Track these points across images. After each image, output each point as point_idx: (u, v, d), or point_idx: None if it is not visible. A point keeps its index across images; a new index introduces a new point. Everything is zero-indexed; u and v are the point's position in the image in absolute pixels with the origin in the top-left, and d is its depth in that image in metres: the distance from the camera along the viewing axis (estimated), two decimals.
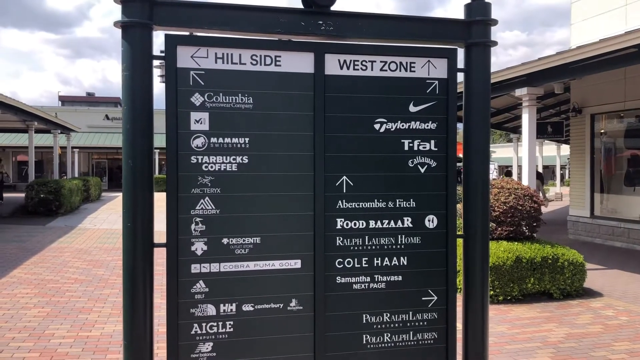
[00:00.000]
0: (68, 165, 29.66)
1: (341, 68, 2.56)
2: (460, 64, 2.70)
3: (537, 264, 7.39)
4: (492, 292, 7.27)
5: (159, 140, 26.83)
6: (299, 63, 2.51)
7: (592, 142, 13.46)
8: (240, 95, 2.44)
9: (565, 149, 27.52)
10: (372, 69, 2.59)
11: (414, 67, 2.63)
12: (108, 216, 18.62)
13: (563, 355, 5.35)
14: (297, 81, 2.51)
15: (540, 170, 23.47)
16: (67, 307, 6.81)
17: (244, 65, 2.44)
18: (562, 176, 38.49)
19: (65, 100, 54.54)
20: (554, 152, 34.33)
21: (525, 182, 10.12)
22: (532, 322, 6.48)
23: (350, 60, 2.56)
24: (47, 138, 31.35)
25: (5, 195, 25.61)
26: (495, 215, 7.83)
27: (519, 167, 19.35)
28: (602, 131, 13.44)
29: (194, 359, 2.42)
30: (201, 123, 2.41)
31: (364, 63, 2.58)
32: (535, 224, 8.10)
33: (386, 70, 2.61)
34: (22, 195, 19.99)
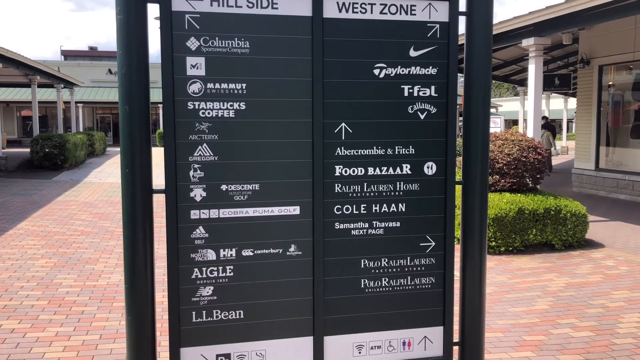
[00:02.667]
0: (72, 120, 29.63)
1: (340, 11, 2.50)
2: (462, 7, 2.64)
3: (539, 215, 7.42)
4: (493, 243, 7.33)
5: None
6: (297, 6, 2.45)
7: (600, 94, 13.28)
8: (236, 39, 2.40)
9: (573, 103, 27.19)
10: (371, 12, 2.53)
11: (414, 10, 2.57)
12: (113, 170, 18.71)
13: (562, 303, 5.43)
14: (295, 25, 2.45)
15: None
16: (74, 258, 6.93)
17: (240, 8, 2.39)
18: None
19: (67, 54, 54.03)
20: (561, 105, 33.96)
21: (530, 133, 10.05)
22: (532, 272, 6.56)
23: (350, 3, 2.50)
24: (51, 93, 31.25)
25: (10, 150, 25.70)
26: (498, 167, 7.82)
27: (525, 120, 19.17)
28: (610, 83, 13.25)
29: (195, 302, 2.47)
30: (197, 68, 2.38)
31: (363, 6, 2.51)
32: (538, 176, 8.10)
33: (386, 14, 2.54)
34: (27, 150, 20.07)
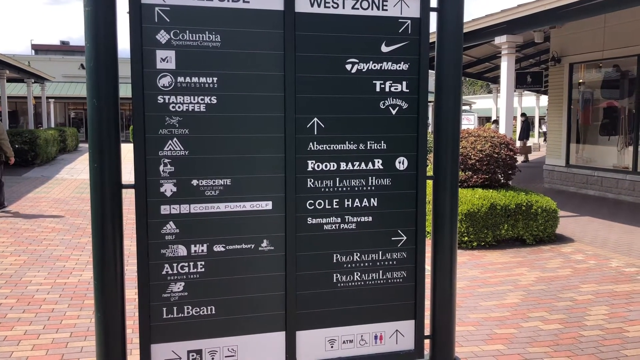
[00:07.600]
0: (44, 116, 29.03)
1: (312, 5, 2.49)
2: (434, 3, 2.66)
3: (511, 210, 7.53)
4: (466, 238, 7.42)
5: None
6: None
7: (570, 91, 13.52)
8: (207, 33, 2.38)
9: (544, 100, 27.62)
10: (343, 7, 2.53)
11: (386, 5, 2.58)
12: (85, 166, 18.40)
13: (533, 297, 5.52)
14: (267, 19, 2.44)
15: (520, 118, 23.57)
16: (44, 256, 6.81)
17: (211, 1, 2.37)
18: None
19: (38, 48, 52.91)
20: (533, 103, 34.47)
21: (502, 130, 10.18)
22: (504, 267, 6.65)
23: None
24: (21, 88, 30.60)
25: None
26: (471, 163, 7.91)
27: (497, 117, 19.41)
28: (580, 81, 13.49)
29: (166, 298, 2.44)
30: (167, 62, 2.35)
31: (335, 0, 2.52)
32: (510, 172, 8.21)
33: (358, 9, 2.55)
34: None
